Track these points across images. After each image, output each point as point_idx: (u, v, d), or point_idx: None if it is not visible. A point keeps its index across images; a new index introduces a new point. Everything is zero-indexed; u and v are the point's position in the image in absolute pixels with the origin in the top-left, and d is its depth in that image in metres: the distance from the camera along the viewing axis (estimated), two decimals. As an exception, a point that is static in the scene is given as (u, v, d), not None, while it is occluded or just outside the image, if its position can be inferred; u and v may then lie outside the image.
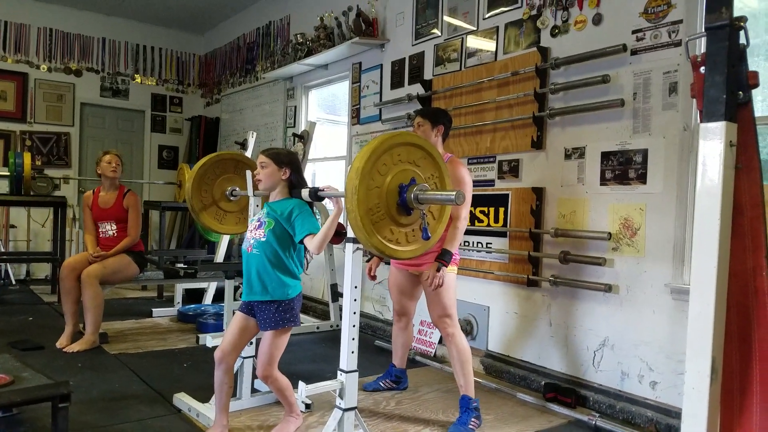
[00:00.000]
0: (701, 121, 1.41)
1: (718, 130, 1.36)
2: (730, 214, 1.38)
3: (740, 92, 1.37)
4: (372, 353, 3.93)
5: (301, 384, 2.06)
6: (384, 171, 1.90)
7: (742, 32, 1.36)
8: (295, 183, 2.42)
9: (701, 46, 2.52)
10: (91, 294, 3.70)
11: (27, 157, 5.48)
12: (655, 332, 2.80)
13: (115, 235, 3.99)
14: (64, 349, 3.65)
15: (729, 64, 1.34)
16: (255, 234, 2.39)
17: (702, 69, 1.40)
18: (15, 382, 2.18)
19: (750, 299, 1.40)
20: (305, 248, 2.45)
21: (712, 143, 1.37)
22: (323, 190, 2.24)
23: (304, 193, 2.34)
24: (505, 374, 3.41)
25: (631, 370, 2.88)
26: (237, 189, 3.07)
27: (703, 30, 1.38)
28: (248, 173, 2.86)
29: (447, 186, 2.06)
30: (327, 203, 2.48)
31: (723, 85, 1.33)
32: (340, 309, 3.79)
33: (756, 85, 1.39)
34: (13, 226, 6.57)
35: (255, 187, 2.67)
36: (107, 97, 7.28)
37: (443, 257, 2.63)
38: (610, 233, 2.97)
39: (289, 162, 2.41)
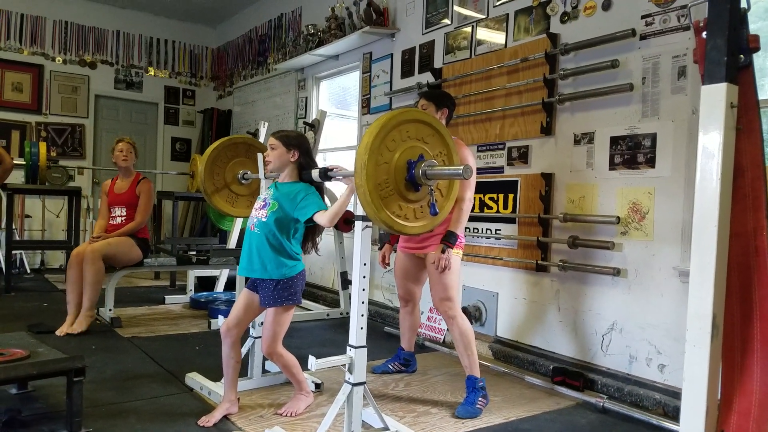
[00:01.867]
0: (703, 84, 1.43)
1: (718, 92, 1.38)
2: (731, 174, 1.40)
3: (741, 55, 1.39)
4: (381, 339, 3.96)
5: (311, 358, 2.10)
6: (393, 147, 1.92)
7: (743, -3, 1.38)
8: (305, 166, 2.45)
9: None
10: (93, 270, 3.73)
11: (42, 147, 5.55)
12: (663, 315, 2.80)
13: (123, 222, 4.08)
14: (67, 332, 3.64)
15: (730, 27, 1.36)
16: (258, 213, 2.43)
17: (704, 34, 1.42)
18: (31, 357, 2.24)
19: (751, 259, 1.42)
20: (310, 233, 2.49)
21: (713, 104, 1.38)
22: (332, 170, 2.27)
23: (315, 173, 2.37)
24: (514, 359, 3.43)
25: (639, 354, 2.89)
26: (248, 172, 3.11)
27: (706, -6, 1.40)
28: (259, 156, 2.89)
29: (455, 164, 2.09)
30: (332, 186, 2.51)
31: (724, 47, 1.35)
32: (350, 297, 3.82)
33: (757, 49, 1.41)
34: (28, 216, 6.68)
35: (265, 169, 2.70)
36: (121, 89, 7.38)
37: (448, 239, 2.66)
38: (618, 217, 2.98)
39: (298, 144, 2.44)
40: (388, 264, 3.15)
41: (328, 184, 3.33)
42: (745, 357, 1.42)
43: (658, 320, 2.82)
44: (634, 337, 2.92)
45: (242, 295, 2.50)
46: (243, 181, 3.14)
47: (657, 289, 2.84)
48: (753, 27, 1.49)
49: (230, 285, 5.12)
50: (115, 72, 7.31)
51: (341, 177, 2.23)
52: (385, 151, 1.91)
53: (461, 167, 1.86)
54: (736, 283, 1.44)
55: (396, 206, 1.96)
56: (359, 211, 2.10)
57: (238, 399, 2.55)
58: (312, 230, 2.50)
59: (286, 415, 2.48)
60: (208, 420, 2.38)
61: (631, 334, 2.93)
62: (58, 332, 3.66)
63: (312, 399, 2.61)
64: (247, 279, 2.52)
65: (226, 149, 3.10)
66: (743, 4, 1.39)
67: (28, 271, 6.39)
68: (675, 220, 2.78)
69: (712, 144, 1.40)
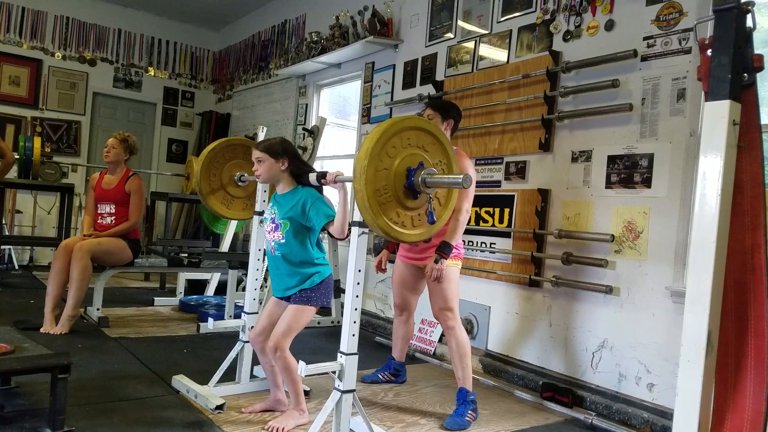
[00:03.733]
0: (706, 101, 1.45)
1: (722, 109, 1.39)
2: (731, 191, 1.41)
3: (745, 74, 1.41)
4: (372, 349, 3.94)
5: (301, 363, 2.08)
6: (393, 153, 1.92)
7: (749, 15, 1.39)
8: (299, 170, 2.40)
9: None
10: (81, 267, 3.67)
11: (37, 142, 5.52)
12: (653, 334, 2.81)
13: (113, 222, 4.00)
14: (51, 332, 3.58)
15: (735, 46, 1.38)
16: (273, 236, 2.39)
17: (709, 52, 1.44)
18: (15, 351, 2.20)
19: (748, 276, 1.43)
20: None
21: (716, 121, 1.40)
22: (328, 175, 2.26)
23: (312, 177, 2.35)
24: (504, 374, 3.42)
25: (628, 372, 2.89)
26: (245, 174, 3.10)
27: (711, 12, 1.41)
28: (257, 159, 2.89)
29: (454, 173, 2.09)
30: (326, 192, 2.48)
31: (729, 65, 1.37)
32: (342, 306, 3.75)
33: (761, 68, 1.43)
34: (18, 212, 6.62)
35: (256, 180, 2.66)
36: (120, 88, 7.36)
37: (443, 249, 2.65)
38: (613, 235, 2.99)
39: (285, 151, 2.37)
40: (384, 270, 3.13)
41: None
42: (738, 374, 1.43)
43: (649, 339, 2.82)
44: (624, 356, 2.92)
45: (270, 304, 2.49)
46: (240, 183, 3.12)
47: (648, 309, 2.84)
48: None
49: (221, 289, 5.08)
50: (114, 70, 7.30)
51: (334, 183, 2.21)
52: (385, 157, 1.91)
53: (461, 176, 1.87)
54: (731, 301, 1.45)
55: (394, 213, 1.96)
56: (356, 217, 2.09)
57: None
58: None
59: (270, 431, 2.34)
60: (252, 409, 2.53)
61: (622, 352, 2.93)
62: (42, 330, 3.61)
63: (306, 419, 2.41)
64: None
65: (223, 150, 3.09)
66: (749, 24, 1.41)
67: (16, 267, 6.31)
68: (669, 240, 2.80)
69: (713, 160, 1.41)
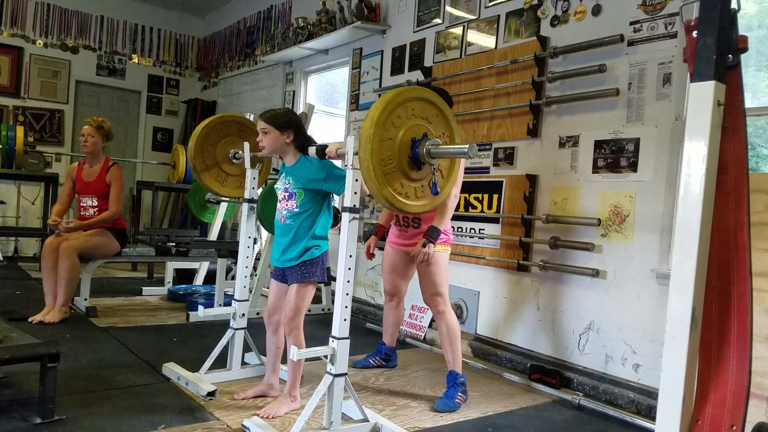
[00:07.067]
0: (691, 82, 1.47)
1: (707, 90, 1.42)
2: (716, 170, 1.44)
3: (730, 55, 1.44)
4: (363, 335, 3.96)
5: (293, 348, 2.09)
6: (398, 124, 1.91)
7: (734, -3, 1.43)
8: (303, 143, 2.41)
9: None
10: (68, 266, 3.66)
11: (20, 131, 5.45)
12: (639, 316, 2.86)
13: (96, 214, 3.95)
14: (40, 321, 3.57)
15: (720, 27, 1.40)
16: (286, 205, 2.40)
17: (694, 33, 1.46)
18: (3, 341, 2.19)
19: (731, 255, 1.46)
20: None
21: (701, 102, 1.43)
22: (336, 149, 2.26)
23: (312, 151, 2.36)
24: (493, 357, 3.46)
25: (615, 353, 2.94)
26: (240, 152, 3.05)
27: (697, -6, 1.44)
28: (246, 145, 2.85)
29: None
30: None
31: (714, 46, 1.40)
32: (332, 293, 3.75)
33: (745, 50, 1.45)
34: (2, 202, 6.53)
35: (258, 152, 2.62)
36: (103, 75, 7.26)
37: (430, 234, 2.67)
38: (599, 220, 3.03)
39: (289, 123, 2.38)
40: (374, 255, 3.15)
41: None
42: (721, 350, 1.47)
43: (635, 321, 2.87)
44: (611, 337, 2.97)
45: (273, 284, 2.51)
46: (234, 161, 3.09)
47: (634, 291, 2.89)
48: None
49: (209, 278, 5.06)
50: (97, 58, 7.19)
51: (335, 157, 2.23)
52: (390, 127, 1.90)
53: (466, 145, 1.87)
54: (715, 278, 1.49)
55: (398, 184, 1.96)
56: (346, 203, 2.10)
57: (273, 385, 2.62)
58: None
59: (263, 417, 2.34)
60: (244, 395, 2.54)
61: (608, 334, 2.98)
62: (31, 320, 3.58)
63: (299, 405, 2.43)
64: (274, 270, 2.52)
65: (217, 127, 3.04)
66: (733, 5, 1.44)
67: (1, 258, 6.23)
68: (654, 223, 2.84)
69: (698, 141, 1.44)
